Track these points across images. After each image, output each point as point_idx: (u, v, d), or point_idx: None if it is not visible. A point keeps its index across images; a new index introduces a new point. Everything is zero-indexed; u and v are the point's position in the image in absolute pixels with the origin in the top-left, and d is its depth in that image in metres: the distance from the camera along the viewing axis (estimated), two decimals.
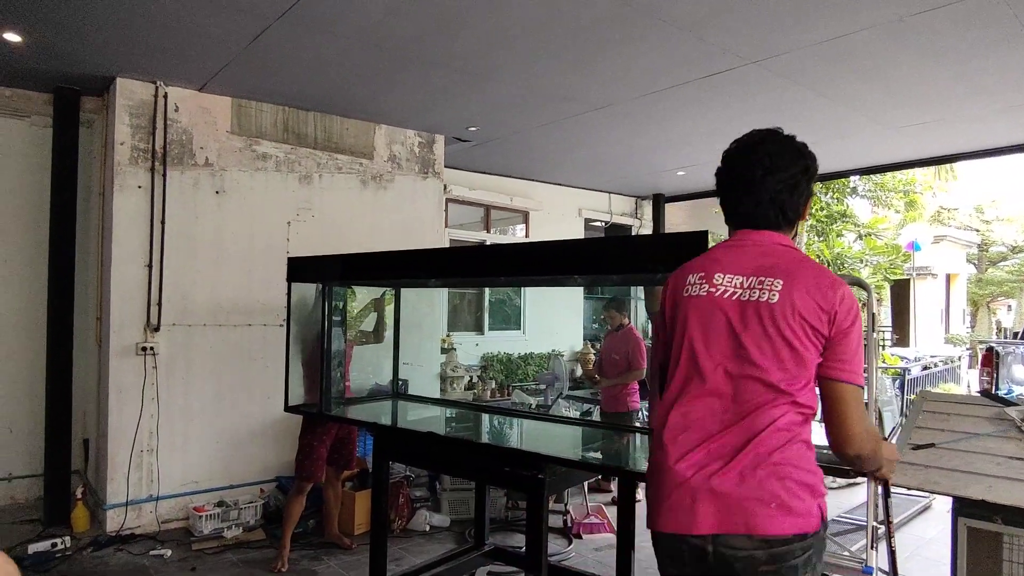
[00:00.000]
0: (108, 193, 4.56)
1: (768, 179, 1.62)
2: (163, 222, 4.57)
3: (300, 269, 3.64)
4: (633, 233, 9.08)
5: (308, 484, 3.91)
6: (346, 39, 3.88)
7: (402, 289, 4.49)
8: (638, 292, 9.18)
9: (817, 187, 12.44)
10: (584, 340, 8.26)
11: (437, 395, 5.78)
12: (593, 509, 4.62)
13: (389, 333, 4.11)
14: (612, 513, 4.26)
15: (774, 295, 1.51)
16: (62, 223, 4.67)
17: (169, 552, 4.01)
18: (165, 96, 4.61)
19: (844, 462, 1.59)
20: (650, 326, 9.03)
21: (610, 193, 8.80)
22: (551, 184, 8.12)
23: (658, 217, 9.03)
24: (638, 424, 5.26)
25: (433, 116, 5.50)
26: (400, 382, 4.72)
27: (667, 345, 1.69)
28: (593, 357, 7.39)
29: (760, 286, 1.54)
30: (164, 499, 4.48)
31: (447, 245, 6.81)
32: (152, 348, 4.48)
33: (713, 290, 1.59)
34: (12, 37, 3.84)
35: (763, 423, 1.49)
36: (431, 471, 4.75)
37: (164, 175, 4.59)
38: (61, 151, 4.71)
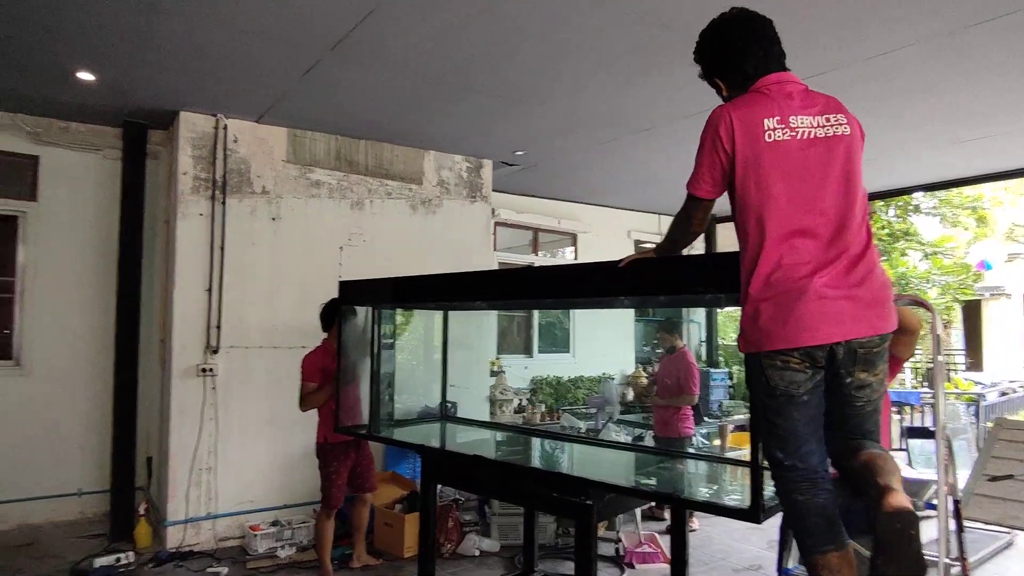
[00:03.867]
0: (172, 221, 4.78)
1: (775, 30, 1.95)
2: (222, 248, 4.74)
3: (351, 293, 3.72)
4: (684, 254, 8.93)
5: (333, 511, 3.91)
6: (394, 70, 3.99)
7: (451, 312, 4.54)
8: (692, 314, 9.01)
9: (878, 204, 12.03)
10: (636, 363, 8.13)
11: (486, 418, 5.76)
12: (646, 537, 4.50)
13: (437, 356, 4.14)
14: (667, 542, 4.14)
15: (846, 128, 1.79)
16: (129, 250, 4.91)
17: (225, 570, 4.10)
18: (225, 128, 4.82)
19: None
20: (704, 348, 8.85)
21: (659, 214, 8.69)
22: (599, 206, 8.09)
23: (710, 238, 8.87)
24: (691, 450, 5.12)
25: (480, 141, 5.58)
26: (449, 405, 4.74)
27: (735, 186, 1.83)
28: (645, 380, 7.27)
29: (828, 123, 1.78)
30: (221, 517, 4.59)
31: (495, 268, 6.84)
32: (211, 369, 4.63)
33: (795, 133, 1.76)
34: (86, 76, 4.10)
35: (864, 243, 1.75)
36: (478, 495, 4.72)
37: (223, 203, 4.78)
38: (129, 182, 4.97)
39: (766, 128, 1.77)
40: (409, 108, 4.72)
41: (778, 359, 1.76)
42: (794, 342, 1.72)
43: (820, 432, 1.83)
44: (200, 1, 3.20)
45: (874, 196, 6.77)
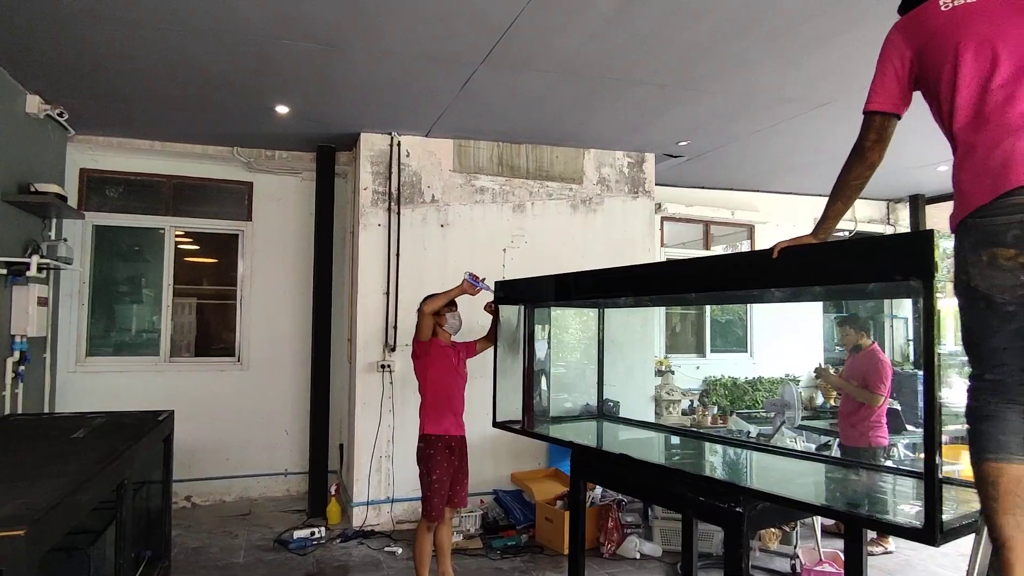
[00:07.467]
0: (355, 232, 5.30)
1: None
2: (398, 255, 5.16)
3: (505, 292, 3.84)
4: (850, 238, 7.95)
5: (433, 523, 3.64)
6: (546, 72, 4.05)
7: (615, 310, 4.50)
8: (897, 309, 7.98)
9: None
10: (826, 364, 7.38)
11: (650, 418, 5.61)
12: (828, 556, 4.07)
13: (595, 354, 4.11)
14: None
15: None
16: (322, 259, 5.53)
17: (400, 550, 4.45)
18: (398, 144, 5.24)
19: None
20: (911, 347, 7.77)
21: None
22: (778, 194, 7.49)
23: (916, 222, 7.78)
24: (889, 463, 4.54)
25: (641, 135, 5.45)
26: (611, 403, 4.69)
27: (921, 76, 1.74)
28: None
29: None
30: (398, 501, 5.00)
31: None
32: (389, 366, 5.05)
33: None
34: (282, 109, 4.71)
35: None
36: (625, 494, 4.61)
37: (398, 213, 5.20)
38: (321, 199, 5.61)
39: (942, 3, 1.68)
40: (566, 109, 4.77)
41: (984, 252, 1.52)
42: (999, 187, 1.48)
43: None
44: (364, 36, 3.53)
45: None
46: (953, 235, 1.67)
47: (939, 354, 1.81)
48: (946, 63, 1.66)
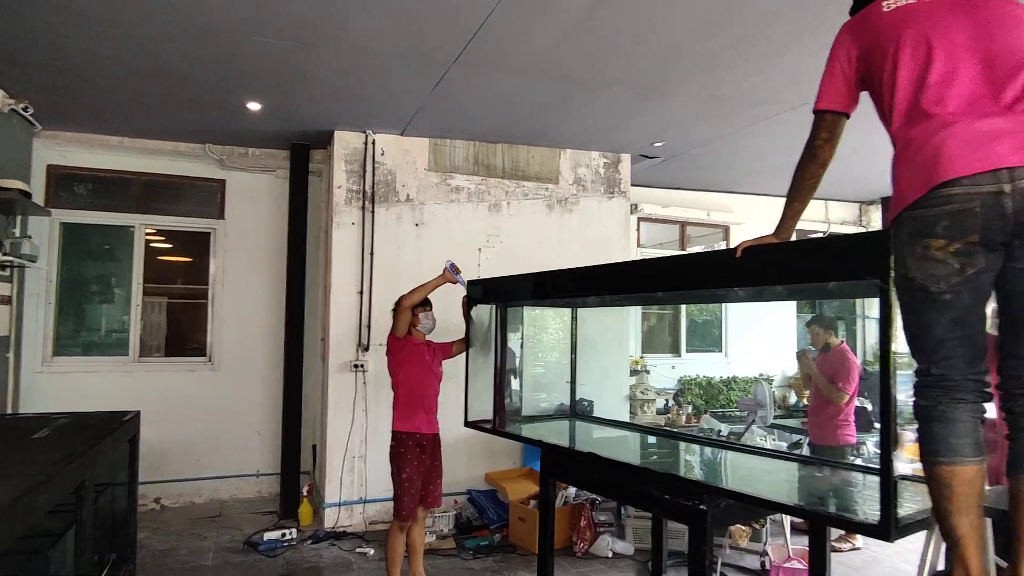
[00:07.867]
0: (329, 230, 5.26)
1: None
2: (372, 254, 5.13)
3: (477, 291, 3.83)
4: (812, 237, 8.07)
5: (405, 523, 3.63)
6: (518, 72, 4.05)
7: (589, 310, 4.51)
8: (868, 309, 8.09)
9: None
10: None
11: (624, 418, 5.63)
12: (797, 552, 4.11)
13: (569, 353, 4.12)
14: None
15: None
16: (295, 258, 5.48)
17: (372, 551, 4.42)
18: (373, 143, 5.21)
19: None
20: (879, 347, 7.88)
21: (826, 200, 7.93)
22: (753, 195, 7.56)
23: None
24: (858, 460, 4.60)
25: (616, 135, 5.48)
26: (585, 403, 4.70)
27: (868, 74, 1.78)
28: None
29: None
30: (371, 502, 4.96)
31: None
32: (362, 365, 5.02)
33: None
34: (253, 106, 4.65)
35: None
36: (594, 493, 4.62)
37: (372, 212, 5.17)
38: (294, 198, 5.56)
39: (884, 4, 1.73)
40: (541, 109, 4.77)
41: (919, 244, 1.55)
42: (930, 181, 1.51)
43: (973, 339, 1.58)
44: (336, 33, 3.50)
45: None
46: (891, 230, 1.71)
47: (895, 352, 1.84)
48: (887, 62, 1.70)
